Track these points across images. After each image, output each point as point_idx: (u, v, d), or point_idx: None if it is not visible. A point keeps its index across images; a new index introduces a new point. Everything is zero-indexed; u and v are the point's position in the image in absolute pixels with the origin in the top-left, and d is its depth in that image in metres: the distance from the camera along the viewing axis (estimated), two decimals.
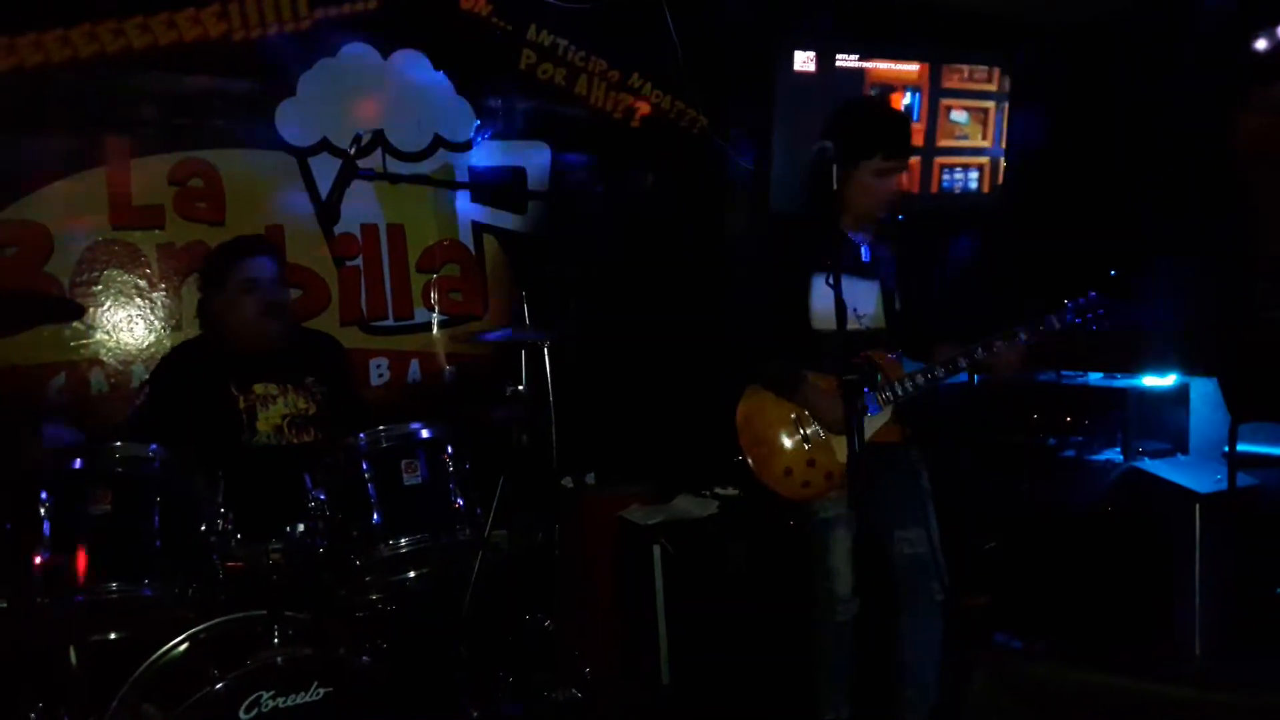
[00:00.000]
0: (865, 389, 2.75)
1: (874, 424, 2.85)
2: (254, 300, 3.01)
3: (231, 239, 3.31)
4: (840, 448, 2.86)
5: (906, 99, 4.00)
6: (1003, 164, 4.32)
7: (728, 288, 3.14)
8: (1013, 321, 2.88)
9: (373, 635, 2.73)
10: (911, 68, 4.25)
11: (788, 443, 2.90)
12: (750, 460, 2.93)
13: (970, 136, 3.86)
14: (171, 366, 3.08)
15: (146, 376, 3.14)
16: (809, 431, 2.89)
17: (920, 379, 2.88)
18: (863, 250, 2.98)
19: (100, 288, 3.53)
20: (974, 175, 3.84)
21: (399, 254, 4.03)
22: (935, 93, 3.90)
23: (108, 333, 3.54)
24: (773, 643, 3.53)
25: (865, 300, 2.95)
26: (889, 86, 4.19)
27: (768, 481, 2.90)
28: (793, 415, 2.90)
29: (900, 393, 2.88)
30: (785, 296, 2.91)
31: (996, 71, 4.12)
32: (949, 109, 3.92)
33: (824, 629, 2.94)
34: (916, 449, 2.98)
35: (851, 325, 2.81)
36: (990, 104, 3.88)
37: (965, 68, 4.02)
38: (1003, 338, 2.86)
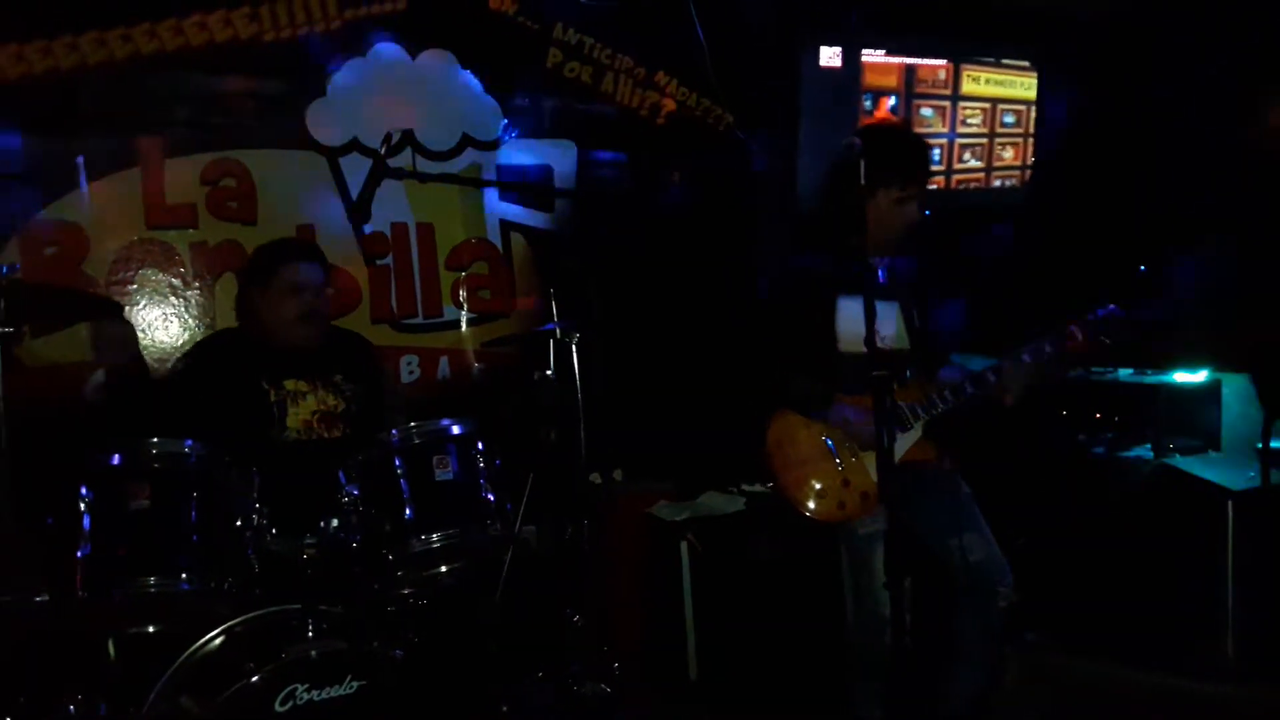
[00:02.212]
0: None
1: (905, 443, 2.85)
2: (296, 303, 3.06)
3: (283, 240, 3.39)
4: (875, 466, 2.84)
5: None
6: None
7: (753, 310, 3.12)
8: (1037, 331, 2.85)
9: (405, 629, 2.77)
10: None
11: (821, 464, 2.87)
12: (784, 485, 2.91)
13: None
14: (204, 353, 3.14)
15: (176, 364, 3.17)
16: (842, 452, 2.87)
17: (949, 395, 2.86)
18: (879, 272, 2.94)
19: (135, 286, 3.58)
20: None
21: (428, 252, 4.06)
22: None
23: (142, 331, 3.59)
24: (801, 639, 3.53)
25: (885, 322, 2.91)
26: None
27: (803, 506, 2.87)
28: (824, 436, 2.89)
29: (930, 410, 2.86)
30: (811, 319, 2.90)
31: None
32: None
33: (865, 646, 2.92)
34: (950, 462, 2.96)
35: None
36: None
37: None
38: (1030, 353, 2.83)
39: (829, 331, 2.90)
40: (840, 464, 2.87)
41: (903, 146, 2.93)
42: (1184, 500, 3.45)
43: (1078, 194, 4.65)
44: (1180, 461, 3.59)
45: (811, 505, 2.87)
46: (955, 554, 2.83)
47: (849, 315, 2.87)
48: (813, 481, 2.87)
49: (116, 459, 2.47)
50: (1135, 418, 3.80)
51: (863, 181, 2.54)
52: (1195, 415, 3.78)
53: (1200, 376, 3.79)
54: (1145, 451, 3.71)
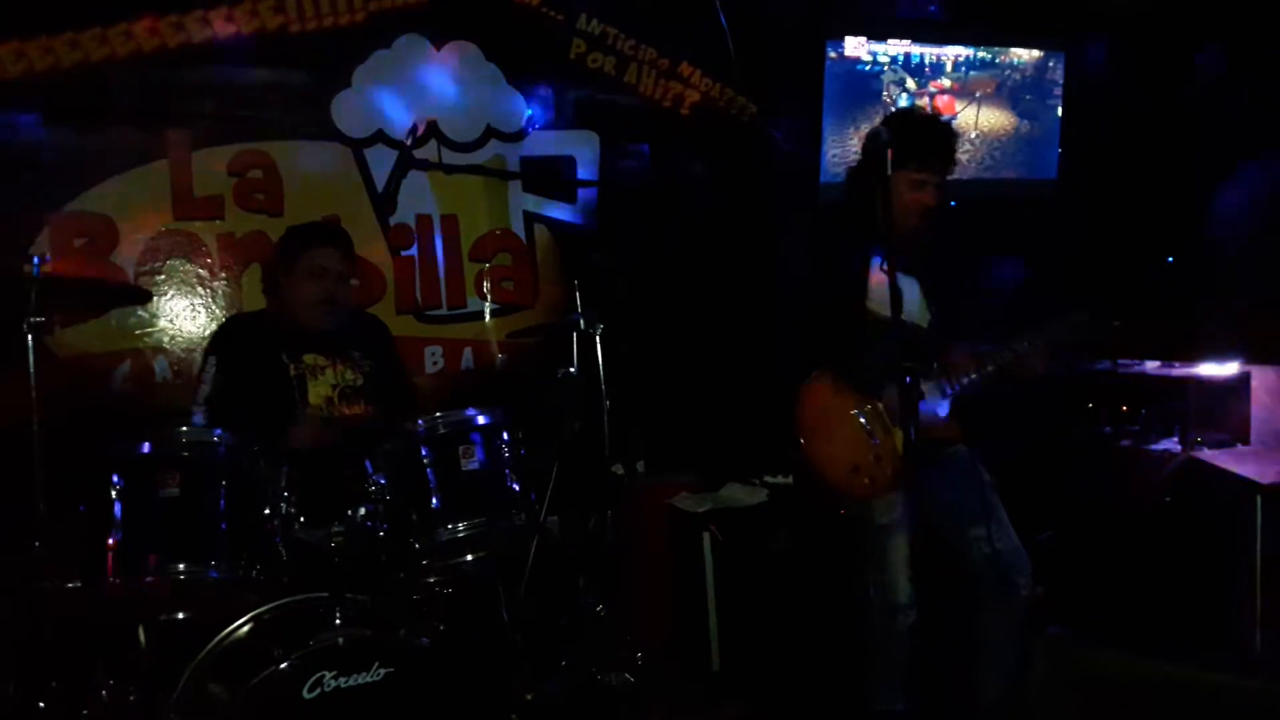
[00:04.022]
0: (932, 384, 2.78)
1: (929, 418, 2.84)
2: (315, 287, 3.09)
3: (312, 224, 3.41)
4: (900, 443, 2.81)
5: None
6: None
7: (792, 277, 3.11)
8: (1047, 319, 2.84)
9: (431, 617, 2.78)
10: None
11: (853, 438, 2.85)
12: (812, 456, 2.89)
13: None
14: (227, 334, 3.17)
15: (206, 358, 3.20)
16: (875, 426, 2.85)
17: (974, 373, 2.84)
18: (902, 247, 2.94)
19: (163, 277, 3.62)
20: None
21: (452, 244, 4.08)
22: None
23: (171, 321, 3.63)
24: (822, 630, 3.53)
25: (908, 296, 2.88)
26: None
27: (830, 477, 2.86)
28: (854, 410, 2.86)
29: (956, 387, 2.85)
30: (845, 280, 2.87)
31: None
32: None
33: (882, 637, 2.92)
34: (969, 444, 2.95)
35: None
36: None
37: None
38: (1050, 330, 2.81)
39: (861, 289, 2.87)
40: (873, 439, 2.83)
41: (923, 131, 2.90)
42: (1211, 494, 3.43)
43: (1106, 183, 4.61)
44: (1208, 455, 3.56)
45: (839, 479, 2.85)
46: (976, 544, 2.83)
47: (880, 277, 2.83)
48: (843, 454, 2.85)
49: (146, 447, 2.51)
50: (1162, 410, 3.77)
51: (889, 171, 2.53)
52: (1224, 408, 3.74)
53: (1229, 369, 3.76)
54: (1173, 444, 3.69)
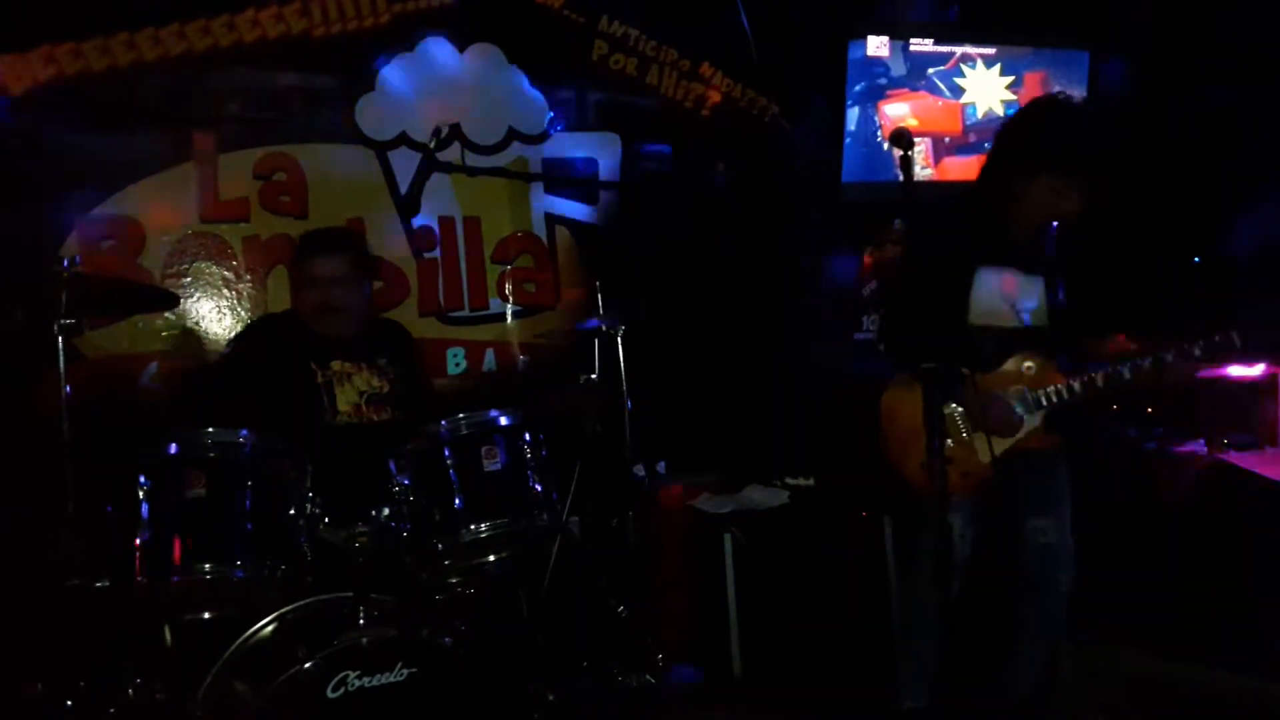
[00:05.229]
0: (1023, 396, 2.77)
1: (1024, 428, 2.83)
2: (314, 294, 3.14)
3: (321, 230, 3.44)
4: (982, 448, 2.80)
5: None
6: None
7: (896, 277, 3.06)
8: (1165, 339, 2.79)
9: (454, 617, 2.80)
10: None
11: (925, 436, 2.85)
12: (890, 448, 2.91)
13: None
14: (256, 334, 3.22)
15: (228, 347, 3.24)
16: (953, 429, 2.82)
17: (1077, 387, 2.80)
18: (1029, 247, 2.88)
19: (189, 279, 3.65)
20: None
21: (475, 246, 4.09)
22: None
23: (197, 323, 3.66)
24: (845, 633, 3.52)
25: (1029, 296, 2.87)
26: None
27: (904, 472, 2.87)
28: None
29: (1054, 399, 2.81)
30: (947, 287, 2.77)
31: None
32: None
33: (920, 610, 2.92)
34: (1062, 453, 2.92)
35: (1011, 322, 2.78)
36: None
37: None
38: (1174, 353, 2.77)
39: (964, 299, 2.81)
40: (949, 441, 2.79)
41: (1059, 131, 2.73)
42: (1238, 497, 3.40)
43: (1128, 180, 4.57)
44: (1234, 457, 3.53)
45: (913, 474, 2.85)
46: (1032, 534, 2.83)
47: (987, 287, 2.81)
48: (919, 452, 2.81)
49: (173, 448, 2.53)
50: (1188, 412, 3.74)
51: (911, 174, 2.50)
52: (1251, 410, 3.71)
53: (1256, 370, 3.72)
54: (1198, 447, 3.66)
